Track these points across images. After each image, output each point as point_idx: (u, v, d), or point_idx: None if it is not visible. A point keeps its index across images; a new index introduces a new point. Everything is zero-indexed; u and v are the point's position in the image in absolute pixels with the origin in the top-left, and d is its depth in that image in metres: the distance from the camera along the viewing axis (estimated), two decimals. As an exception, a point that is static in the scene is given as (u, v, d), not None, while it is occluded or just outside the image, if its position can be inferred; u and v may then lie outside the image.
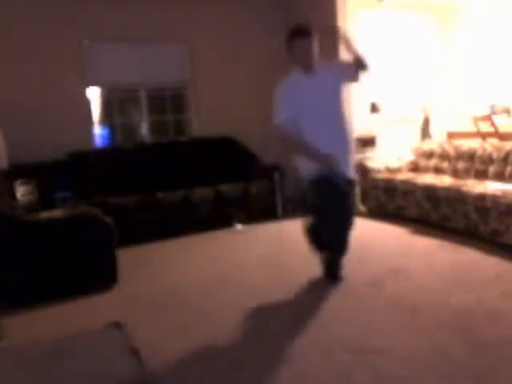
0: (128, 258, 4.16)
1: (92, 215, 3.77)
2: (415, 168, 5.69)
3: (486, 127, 5.79)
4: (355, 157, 3.49)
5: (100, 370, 2.55)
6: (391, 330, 2.75)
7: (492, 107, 6.03)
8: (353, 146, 3.47)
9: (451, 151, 5.35)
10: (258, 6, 6.43)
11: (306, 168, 3.35)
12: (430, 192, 4.76)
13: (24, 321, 3.23)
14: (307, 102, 3.26)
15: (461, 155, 5.20)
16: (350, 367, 2.39)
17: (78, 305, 3.44)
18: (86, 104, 5.83)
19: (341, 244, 3.48)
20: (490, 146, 4.99)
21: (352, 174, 3.48)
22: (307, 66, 3.27)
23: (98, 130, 6.17)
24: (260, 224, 5.39)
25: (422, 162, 5.66)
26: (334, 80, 3.35)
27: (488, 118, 5.76)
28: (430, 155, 5.61)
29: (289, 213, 5.71)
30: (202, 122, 6.35)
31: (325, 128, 3.26)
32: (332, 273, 3.56)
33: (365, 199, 5.74)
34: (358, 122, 5.91)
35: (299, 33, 3.21)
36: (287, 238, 4.89)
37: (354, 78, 3.44)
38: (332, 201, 3.29)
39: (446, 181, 4.84)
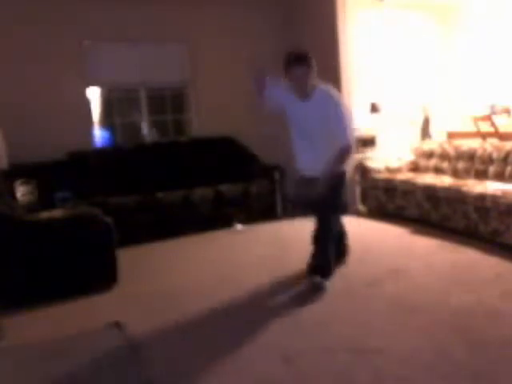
0: (128, 258, 4.16)
1: (92, 215, 3.77)
2: (415, 168, 5.69)
3: (486, 127, 5.80)
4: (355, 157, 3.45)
5: (100, 370, 2.55)
6: (391, 330, 2.75)
7: (492, 107, 6.03)
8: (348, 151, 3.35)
9: (451, 151, 5.35)
10: (258, 6, 6.43)
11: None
12: (430, 192, 4.76)
13: (24, 321, 3.23)
14: (296, 118, 3.41)
15: (461, 155, 5.20)
16: (350, 367, 2.39)
17: (77, 305, 3.43)
18: (86, 104, 5.83)
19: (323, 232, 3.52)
20: (490, 145, 4.99)
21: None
22: (302, 93, 3.32)
23: (98, 131, 6.18)
24: (260, 224, 5.39)
25: (422, 162, 5.66)
26: (326, 112, 3.27)
27: (488, 118, 5.76)
28: (430, 155, 5.61)
29: (289, 213, 5.71)
30: (202, 122, 6.35)
31: (307, 144, 3.42)
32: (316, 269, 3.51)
33: (365, 199, 5.74)
34: (358, 122, 5.91)
35: (296, 60, 3.22)
36: (287, 238, 4.89)
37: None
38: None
39: (445, 181, 4.84)
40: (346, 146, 3.24)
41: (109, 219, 3.72)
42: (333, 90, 3.38)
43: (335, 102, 3.29)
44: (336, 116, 3.24)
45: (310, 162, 3.44)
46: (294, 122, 3.46)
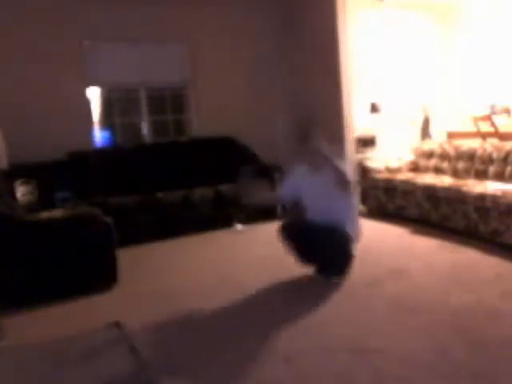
0: (128, 258, 4.15)
1: (92, 215, 3.77)
2: (415, 168, 5.69)
3: (486, 127, 5.80)
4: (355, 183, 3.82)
5: (100, 370, 2.55)
6: (391, 330, 2.74)
7: (492, 107, 6.03)
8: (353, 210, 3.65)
9: (451, 151, 5.35)
10: (258, 6, 6.43)
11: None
12: (430, 192, 4.76)
13: (24, 321, 3.22)
14: (307, 190, 3.62)
15: (461, 155, 5.19)
16: (349, 367, 2.39)
17: (77, 305, 3.43)
18: (86, 104, 5.83)
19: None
20: (490, 145, 4.99)
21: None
22: (311, 165, 3.56)
23: (98, 131, 6.17)
24: (260, 224, 5.39)
25: (422, 162, 5.66)
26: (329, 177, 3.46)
27: (488, 117, 5.76)
28: (430, 155, 5.61)
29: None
30: (202, 122, 6.35)
31: (319, 209, 3.54)
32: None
33: (365, 199, 5.74)
34: (358, 122, 5.92)
35: (300, 139, 3.52)
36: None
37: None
38: None
39: (446, 181, 4.84)
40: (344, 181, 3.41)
41: (109, 219, 3.72)
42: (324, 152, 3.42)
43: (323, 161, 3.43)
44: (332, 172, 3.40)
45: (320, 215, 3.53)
46: (306, 195, 3.64)
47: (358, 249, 4.15)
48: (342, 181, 3.37)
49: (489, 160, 4.84)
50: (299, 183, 3.65)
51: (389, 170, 5.61)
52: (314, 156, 3.47)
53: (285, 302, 3.28)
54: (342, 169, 3.37)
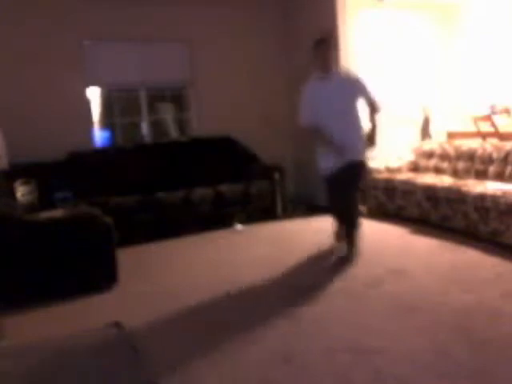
0: (128, 258, 4.16)
1: (92, 215, 3.77)
2: (415, 168, 5.69)
3: (486, 127, 5.79)
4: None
5: (100, 370, 2.55)
6: (391, 330, 2.74)
7: (492, 107, 6.02)
8: (362, 134, 4.11)
9: (451, 151, 5.35)
10: (258, 6, 6.43)
11: (322, 164, 4.12)
12: (430, 192, 4.76)
13: (24, 321, 3.22)
14: (322, 101, 3.97)
15: (461, 155, 5.19)
16: (349, 367, 2.39)
17: (78, 305, 3.43)
18: (86, 104, 5.83)
19: (348, 219, 4.17)
20: (490, 145, 4.99)
21: (361, 156, 4.08)
22: (324, 68, 4.00)
23: (98, 131, 6.17)
24: (260, 224, 5.39)
25: (422, 162, 5.66)
26: (348, 90, 4.03)
27: (488, 118, 5.76)
28: (430, 155, 5.61)
29: (289, 213, 5.71)
30: (202, 122, 6.35)
31: (336, 122, 3.93)
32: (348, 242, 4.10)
33: (365, 199, 5.74)
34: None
35: (319, 41, 4.06)
36: (287, 238, 4.89)
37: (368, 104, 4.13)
38: (334, 194, 4.19)
39: (446, 181, 4.84)
40: (377, 104, 4.12)
41: (109, 219, 3.72)
42: (350, 72, 4.24)
43: (355, 79, 4.10)
44: (360, 88, 4.03)
45: (341, 135, 3.90)
46: (320, 107, 3.95)
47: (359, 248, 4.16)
48: (374, 102, 4.07)
49: (489, 160, 4.84)
50: (314, 96, 4.00)
51: (389, 169, 5.61)
52: (327, 59, 3.97)
53: (285, 302, 3.28)
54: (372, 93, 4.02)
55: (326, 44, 4.08)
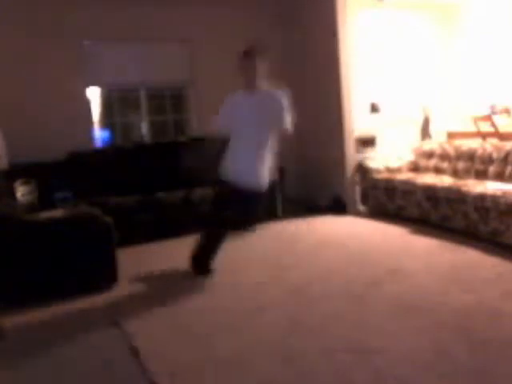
0: (128, 258, 4.15)
1: (92, 215, 3.77)
2: (415, 168, 5.69)
3: (486, 127, 5.79)
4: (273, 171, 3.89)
5: (100, 370, 2.55)
6: (391, 330, 2.74)
7: (492, 107, 6.02)
8: (267, 165, 3.75)
9: (451, 151, 5.35)
10: (258, 7, 6.43)
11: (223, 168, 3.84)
12: (430, 192, 4.76)
13: (24, 321, 3.22)
14: (236, 115, 3.71)
15: (461, 155, 5.19)
16: (349, 367, 2.39)
17: (78, 305, 3.43)
18: (86, 104, 5.83)
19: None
20: (490, 145, 4.99)
21: (259, 185, 3.74)
22: (249, 84, 3.66)
23: (97, 131, 6.17)
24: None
25: (422, 162, 5.66)
26: (265, 114, 3.63)
27: (488, 118, 5.76)
28: (430, 155, 5.61)
29: (289, 213, 5.71)
30: (202, 122, 6.34)
31: (240, 141, 3.69)
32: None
33: (365, 199, 5.74)
34: (358, 122, 5.91)
35: (245, 53, 3.70)
36: (287, 238, 4.89)
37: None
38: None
39: (446, 181, 4.84)
40: (285, 130, 3.65)
41: (109, 219, 3.72)
42: (278, 92, 3.67)
43: (277, 98, 3.63)
44: (276, 107, 3.60)
45: (237, 162, 3.70)
46: (235, 121, 3.70)
47: (359, 249, 4.16)
48: (284, 131, 3.66)
49: (489, 160, 4.84)
50: (232, 107, 3.74)
51: (389, 169, 5.61)
52: (251, 76, 3.62)
53: (284, 302, 3.28)
54: (286, 119, 3.59)
55: (251, 58, 3.64)
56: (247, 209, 3.86)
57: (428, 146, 5.77)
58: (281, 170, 5.66)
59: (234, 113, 3.71)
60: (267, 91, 3.66)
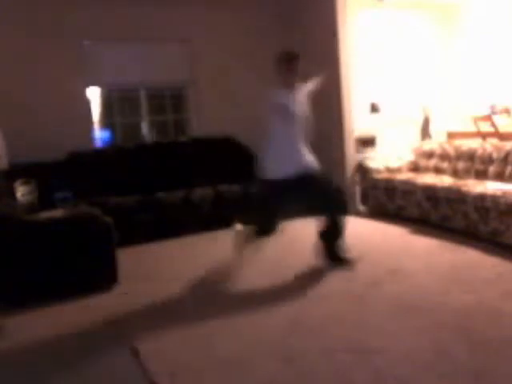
0: (128, 258, 4.16)
1: (92, 215, 3.77)
2: (415, 168, 5.68)
3: (486, 127, 5.79)
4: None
5: (100, 370, 2.55)
6: (391, 330, 2.74)
7: (492, 107, 6.02)
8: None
9: (451, 151, 5.35)
10: (258, 7, 6.43)
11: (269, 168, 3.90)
12: (430, 192, 4.76)
13: (24, 321, 3.23)
14: (287, 111, 3.81)
15: (461, 155, 5.19)
16: (350, 367, 2.39)
17: (78, 305, 3.43)
18: (86, 104, 5.83)
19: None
20: (490, 146, 4.99)
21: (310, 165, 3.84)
22: (290, 83, 3.89)
23: (98, 131, 6.17)
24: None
25: (422, 162, 5.66)
26: (303, 97, 3.95)
27: (488, 118, 5.76)
28: (430, 155, 5.61)
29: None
30: (202, 122, 6.35)
31: (293, 134, 3.83)
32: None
33: (365, 199, 5.74)
34: (358, 122, 5.91)
35: (290, 57, 3.91)
36: (287, 238, 4.88)
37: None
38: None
39: (446, 181, 4.84)
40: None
41: (109, 219, 3.72)
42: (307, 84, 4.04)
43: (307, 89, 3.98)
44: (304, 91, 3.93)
45: (295, 153, 3.81)
46: (285, 114, 3.81)
47: (358, 249, 4.16)
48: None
49: (489, 160, 4.84)
50: (277, 100, 3.86)
51: (389, 169, 5.61)
52: (294, 76, 3.88)
53: (285, 302, 3.28)
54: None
55: (295, 61, 3.91)
56: (328, 189, 3.94)
57: (428, 146, 5.77)
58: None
59: (285, 108, 3.83)
60: (300, 86, 3.98)
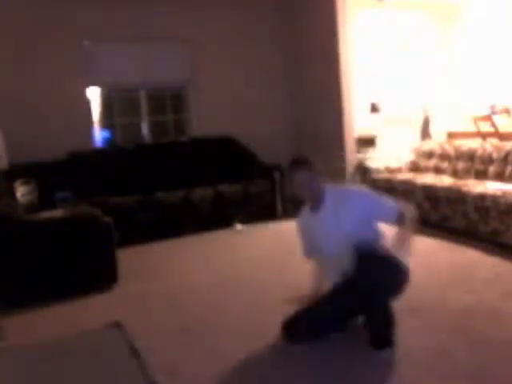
0: (128, 258, 4.15)
1: (92, 215, 3.77)
2: (415, 168, 5.68)
3: (486, 127, 5.79)
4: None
5: (100, 370, 2.55)
6: (391, 330, 2.74)
7: (492, 107, 6.03)
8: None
9: (451, 151, 5.34)
10: (258, 7, 6.43)
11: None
12: (430, 192, 4.75)
13: (24, 321, 3.22)
14: (315, 237, 2.98)
15: (461, 155, 5.19)
16: (349, 367, 2.39)
17: (78, 305, 3.43)
18: (86, 104, 5.83)
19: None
20: (490, 145, 4.99)
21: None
22: (312, 201, 2.91)
23: (98, 131, 6.18)
24: (260, 224, 5.39)
25: (422, 162, 5.65)
26: (347, 215, 2.80)
27: (488, 118, 5.76)
28: (430, 155, 5.61)
29: (289, 213, 5.71)
30: (202, 122, 6.35)
31: (330, 261, 2.93)
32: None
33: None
34: (358, 122, 5.92)
35: (292, 164, 2.84)
36: (287, 239, 4.88)
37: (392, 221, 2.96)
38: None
39: (445, 181, 4.84)
40: (398, 215, 2.94)
41: (109, 219, 3.72)
42: (345, 187, 3.04)
43: (357, 195, 3.00)
44: (369, 204, 2.93)
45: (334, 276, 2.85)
46: (317, 243, 2.98)
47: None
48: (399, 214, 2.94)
49: (489, 160, 4.84)
50: (306, 229, 3.05)
51: (389, 170, 5.60)
52: (305, 189, 2.84)
53: (285, 302, 3.27)
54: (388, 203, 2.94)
55: (303, 168, 2.78)
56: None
57: (428, 146, 5.77)
58: (281, 170, 5.67)
59: (311, 235, 3.00)
60: (334, 194, 2.88)
